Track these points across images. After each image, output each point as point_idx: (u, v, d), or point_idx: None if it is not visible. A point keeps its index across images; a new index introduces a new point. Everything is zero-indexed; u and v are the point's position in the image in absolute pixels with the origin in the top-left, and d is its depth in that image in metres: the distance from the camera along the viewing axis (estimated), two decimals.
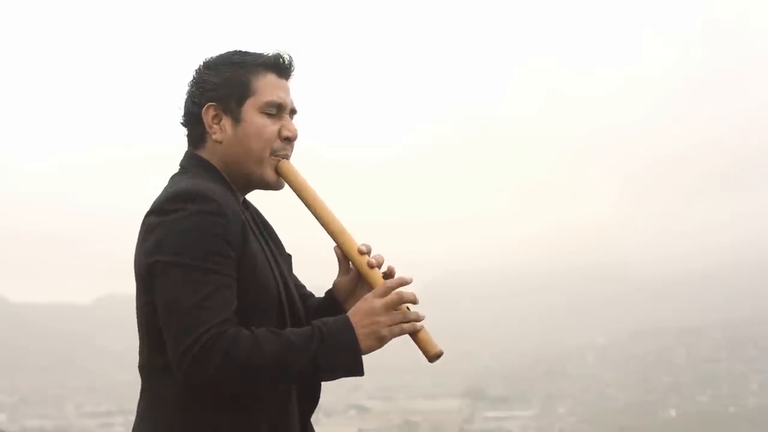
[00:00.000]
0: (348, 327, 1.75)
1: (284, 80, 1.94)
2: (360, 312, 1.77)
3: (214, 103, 1.88)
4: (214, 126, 1.88)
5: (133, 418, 1.87)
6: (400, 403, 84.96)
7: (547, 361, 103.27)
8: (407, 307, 1.81)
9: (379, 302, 1.77)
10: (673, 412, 71.29)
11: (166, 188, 1.83)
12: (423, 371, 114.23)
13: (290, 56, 1.93)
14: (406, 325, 1.79)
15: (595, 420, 70.77)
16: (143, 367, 1.84)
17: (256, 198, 2.03)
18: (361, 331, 1.75)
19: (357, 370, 1.76)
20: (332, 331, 1.73)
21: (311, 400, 1.92)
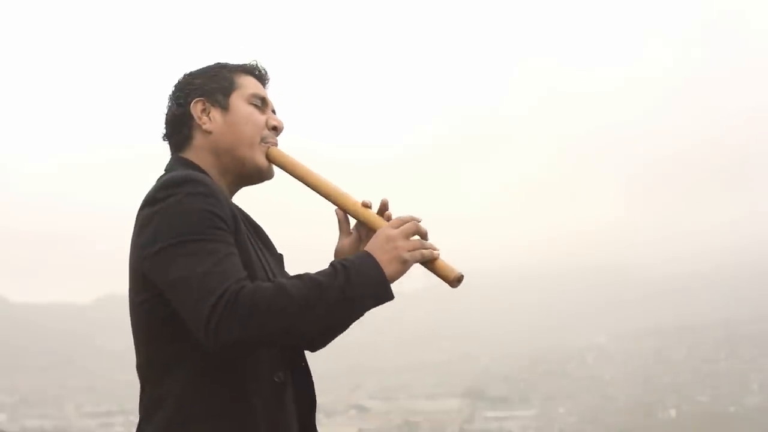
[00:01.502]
0: (369, 256, 1.75)
1: (262, 85, 2.02)
2: (378, 241, 1.78)
3: (201, 98, 1.92)
4: (204, 117, 1.91)
5: (133, 417, 1.87)
6: (400, 403, 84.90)
7: (547, 362, 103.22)
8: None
9: (395, 231, 1.79)
10: (673, 412, 71.23)
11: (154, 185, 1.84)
12: (423, 371, 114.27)
13: (265, 68, 2.03)
14: (425, 251, 1.80)
15: (595, 420, 70.74)
16: (142, 366, 1.82)
17: (251, 197, 2.04)
18: (383, 258, 1.75)
19: (386, 295, 1.75)
20: (354, 263, 1.73)
21: (308, 399, 1.91)
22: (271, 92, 2.03)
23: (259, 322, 1.63)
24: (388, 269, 1.74)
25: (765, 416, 63.98)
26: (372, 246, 1.78)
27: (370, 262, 1.74)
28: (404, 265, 1.77)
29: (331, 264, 1.74)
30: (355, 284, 1.70)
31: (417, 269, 1.88)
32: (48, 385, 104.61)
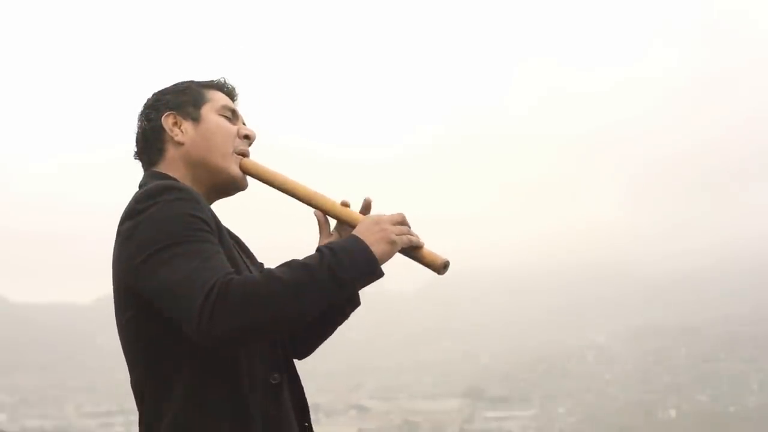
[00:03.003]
0: (356, 237, 1.76)
1: (231, 100, 2.02)
2: (365, 224, 1.80)
3: (172, 111, 1.92)
4: (175, 129, 1.91)
5: (133, 417, 1.87)
6: (400, 403, 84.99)
7: (547, 361, 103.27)
8: None
9: (383, 216, 1.82)
10: (673, 412, 71.34)
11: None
12: (423, 371, 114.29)
13: (233, 84, 2.03)
14: (413, 237, 1.81)
15: (595, 420, 70.82)
16: (138, 384, 1.81)
17: (227, 204, 2.04)
18: (370, 238, 1.75)
19: (375, 272, 1.74)
20: (341, 244, 1.73)
21: (302, 401, 1.93)
22: (243, 107, 2.05)
23: (252, 310, 1.61)
24: (376, 248, 1.74)
25: (765, 416, 64.07)
26: (359, 229, 1.79)
27: (357, 242, 1.74)
28: (392, 246, 1.77)
29: (318, 248, 1.73)
30: (344, 263, 1.69)
31: (407, 266, 1.90)
32: (48, 385, 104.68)
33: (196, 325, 1.60)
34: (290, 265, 1.68)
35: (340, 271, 1.68)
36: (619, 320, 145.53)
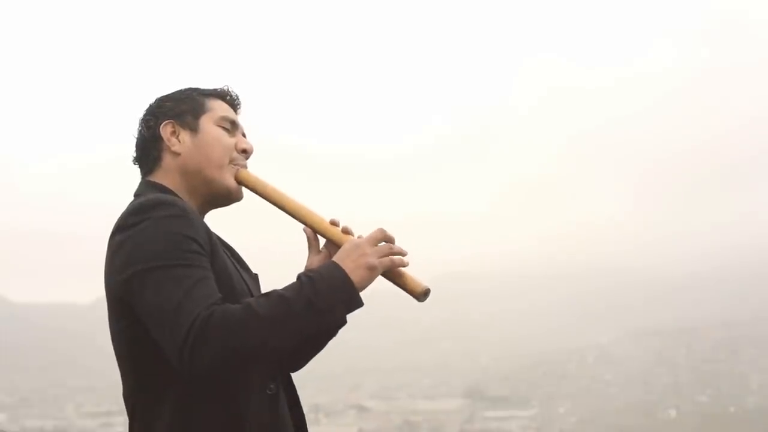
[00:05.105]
0: (334, 265, 1.75)
1: (233, 110, 2.01)
2: (345, 249, 1.79)
3: (171, 120, 1.91)
4: (173, 139, 1.90)
5: None
6: (400, 403, 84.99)
7: (548, 362, 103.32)
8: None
9: (362, 239, 1.79)
10: (673, 412, 71.39)
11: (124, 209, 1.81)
12: (423, 371, 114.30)
13: (236, 93, 2.02)
14: (395, 258, 1.79)
15: (595, 420, 70.85)
16: (131, 394, 1.80)
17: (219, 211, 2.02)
18: (349, 266, 1.74)
19: (354, 303, 1.74)
20: (321, 273, 1.73)
21: (297, 406, 1.93)
22: (243, 116, 2.02)
23: (230, 345, 1.61)
24: (354, 276, 1.73)
25: (765, 416, 64.06)
26: (339, 255, 1.78)
27: (336, 270, 1.73)
28: (372, 272, 1.76)
29: (298, 277, 1.73)
30: (322, 294, 1.69)
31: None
32: (48, 385, 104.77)
33: (178, 359, 1.62)
34: (269, 297, 1.68)
35: (319, 302, 1.68)
36: (619, 321, 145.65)
